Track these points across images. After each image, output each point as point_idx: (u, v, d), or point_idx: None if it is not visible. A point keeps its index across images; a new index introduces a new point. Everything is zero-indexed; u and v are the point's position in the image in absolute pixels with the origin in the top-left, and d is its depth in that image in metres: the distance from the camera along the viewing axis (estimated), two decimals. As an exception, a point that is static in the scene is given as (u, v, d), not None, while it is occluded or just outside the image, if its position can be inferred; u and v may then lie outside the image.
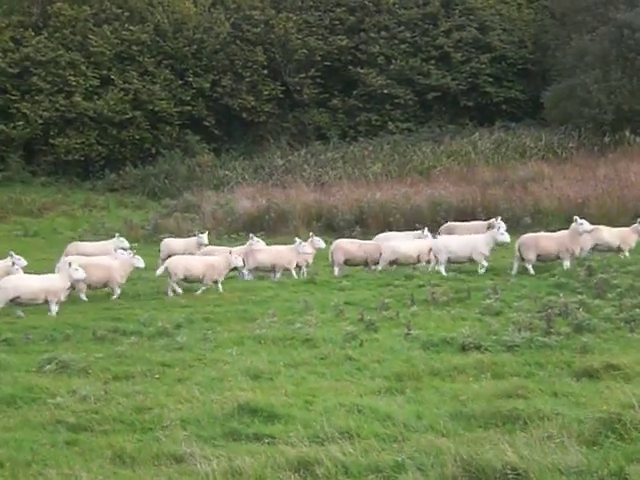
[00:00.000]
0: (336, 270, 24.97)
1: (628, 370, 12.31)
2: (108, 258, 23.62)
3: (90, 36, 50.17)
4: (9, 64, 48.34)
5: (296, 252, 24.65)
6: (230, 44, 52.20)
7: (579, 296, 18.11)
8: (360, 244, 25.73)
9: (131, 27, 51.18)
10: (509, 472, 8.20)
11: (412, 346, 14.94)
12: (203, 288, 22.77)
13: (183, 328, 17.57)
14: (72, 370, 13.88)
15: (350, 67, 53.39)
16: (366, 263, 25.27)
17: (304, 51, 52.69)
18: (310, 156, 46.98)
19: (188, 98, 51.15)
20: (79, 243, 28.54)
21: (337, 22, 54.58)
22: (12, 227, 38.35)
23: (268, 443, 9.99)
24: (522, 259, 22.97)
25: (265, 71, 52.48)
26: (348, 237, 28.47)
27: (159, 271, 23.02)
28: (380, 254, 24.85)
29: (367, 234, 30.99)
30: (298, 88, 53.19)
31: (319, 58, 53.27)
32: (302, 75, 52.89)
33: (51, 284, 20.41)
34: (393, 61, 52.72)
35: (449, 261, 24.03)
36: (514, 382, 12.01)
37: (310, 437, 10.07)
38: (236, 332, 16.88)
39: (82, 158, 48.91)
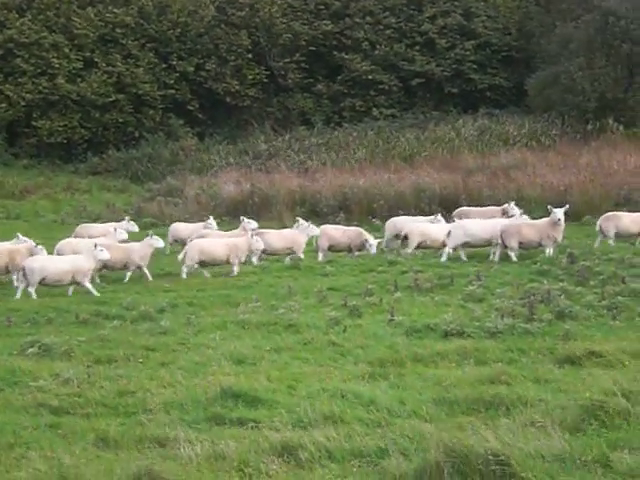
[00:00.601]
0: (320, 256, 24.98)
1: (610, 357, 12.38)
2: (106, 239, 23.53)
3: (74, 18, 49.86)
4: (-8, 46, 48.06)
5: (305, 234, 24.72)
6: (214, 28, 52.00)
7: (561, 283, 18.17)
8: (344, 230, 25.76)
9: (115, 10, 50.90)
10: (491, 458, 8.22)
11: (395, 332, 14.98)
12: (235, 269, 22.79)
13: (166, 312, 17.58)
14: (55, 353, 13.85)
15: (335, 52, 53.29)
16: (350, 249, 25.30)
17: (289, 35, 52.55)
18: (294, 141, 46.90)
19: (172, 82, 50.96)
20: (88, 225, 28.52)
21: (322, 7, 54.45)
22: (-6, 210, 38.19)
23: (251, 428, 9.99)
24: (505, 246, 23.02)
25: (249, 55, 52.32)
26: (332, 223, 28.49)
27: (181, 255, 22.98)
28: (365, 240, 24.88)
29: (350, 220, 31.01)
30: (282, 73, 53.07)
31: (304, 43, 53.13)
32: (287, 60, 52.76)
33: (77, 265, 20.45)
34: (378, 47, 52.65)
35: (469, 245, 24.02)
36: (497, 368, 12.05)
37: (293, 422, 10.09)
38: (220, 317, 16.89)
39: (65, 141, 48.69)
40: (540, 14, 53.29)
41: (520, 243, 22.96)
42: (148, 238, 23.03)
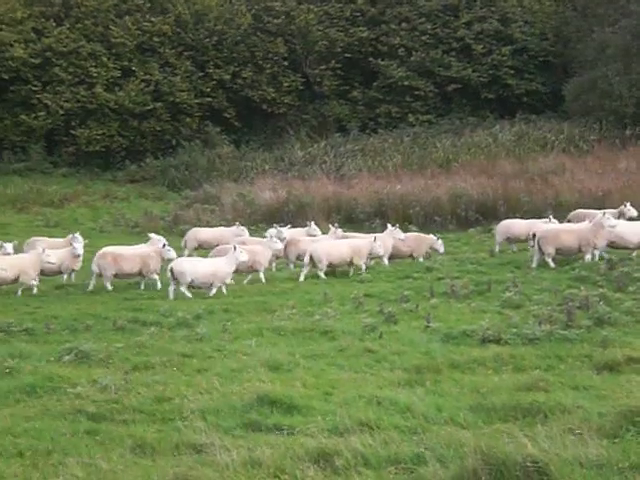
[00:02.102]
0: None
1: (649, 363, 12.27)
2: (146, 246, 23.83)
3: (111, 27, 50.29)
4: (31, 55, 48.46)
5: (392, 239, 24.62)
6: (251, 35, 52.19)
7: (600, 289, 18.03)
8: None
9: (152, 18, 51.25)
10: (529, 465, 8.16)
11: (432, 338, 14.93)
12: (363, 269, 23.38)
13: (203, 319, 17.62)
14: (92, 360, 13.92)
15: (370, 59, 53.26)
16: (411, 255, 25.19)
17: (325, 43, 52.64)
18: (330, 148, 46.90)
19: (208, 90, 51.20)
20: (199, 229, 28.91)
21: (358, 13, 54.46)
22: (33, 217, 38.49)
23: (287, 434, 9.99)
24: (542, 252, 22.82)
25: (285, 63, 52.48)
26: (368, 230, 28.42)
27: (306, 258, 23.25)
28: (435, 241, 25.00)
29: (386, 226, 30.92)
30: (318, 80, 53.15)
31: (339, 50, 53.19)
32: (322, 67, 52.85)
33: (220, 267, 21.14)
34: (414, 53, 52.57)
35: (614, 246, 23.09)
36: (534, 375, 11.97)
37: (329, 428, 10.07)
38: (255, 323, 16.91)
39: (103, 149, 49.04)
40: (577, 19, 52.94)
41: (558, 249, 22.72)
42: (268, 240, 23.36)
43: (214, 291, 21.06)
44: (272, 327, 16.28)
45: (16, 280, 21.94)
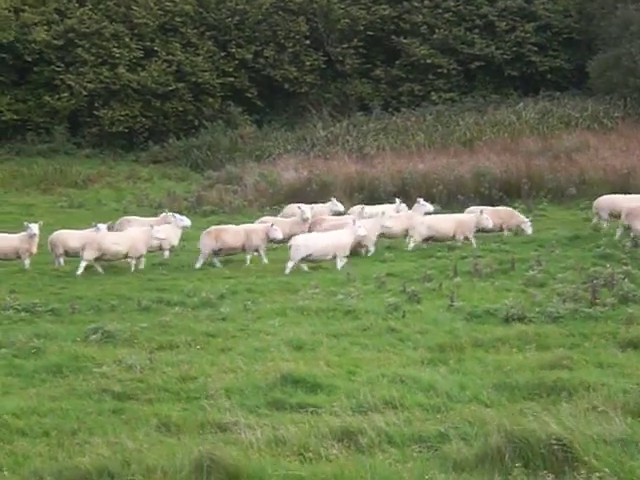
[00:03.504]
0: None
1: (674, 341, 12.23)
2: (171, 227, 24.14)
3: (134, 7, 50.23)
4: (53, 36, 48.51)
5: (420, 214, 24.40)
6: (273, 15, 52.01)
7: (625, 267, 17.93)
8: (493, 210, 25.41)
9: (174, -2, 51.20)
10: (553, 442, 8.17)
11: (455, 317, 14.93)
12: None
13: (226, 299, 17.68)
14: (117, 340, 14.05)
15: (393, 37, 52.93)
16: (501, 229, 24.93)
17: (347, 21, 52.36)
18: (352, 127, 46.73)
19: (231, 69, 51.12)
20: (294, 205, 29.06)
21: (380, -9, 54.16)
22: (57, 198, 38.64)
23: (311, 413, 10.04)
24: (628, 227, 22.23)
25: (307, 41, 52.27)
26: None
27: (411, 232, 23.62)
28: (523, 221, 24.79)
29: (410, 206, 30.82)
30: (340, 58, 52.93)
31: (362, 28, 52.87)
32: (344, 45, 52.60)
33: (339, 241, 21.42)
34: (436, 30, 52.19)
35: None
36: (558, 353, 11.96)
37: (353, 407, 10.12)
38: (279, 303, 16.97)
39: (126, 130, 49.07)
40: (601, -5, 52.42)
41: None
42: (379, 217, 23.49)
43: (340, 264, 21.21)
44: (295, 307, 16.33)
45: (127, 255, 22.53)
